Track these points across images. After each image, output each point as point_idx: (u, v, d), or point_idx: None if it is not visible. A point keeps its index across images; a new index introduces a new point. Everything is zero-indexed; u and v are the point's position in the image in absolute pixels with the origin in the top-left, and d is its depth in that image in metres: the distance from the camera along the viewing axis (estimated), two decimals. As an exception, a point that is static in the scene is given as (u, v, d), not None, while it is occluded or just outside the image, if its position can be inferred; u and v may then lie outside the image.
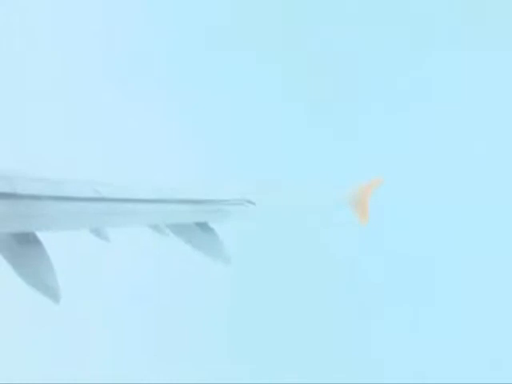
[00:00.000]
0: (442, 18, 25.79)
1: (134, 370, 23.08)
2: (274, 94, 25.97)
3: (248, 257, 22.03)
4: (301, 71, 26.11)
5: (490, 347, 24.52)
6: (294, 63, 26.15)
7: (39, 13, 25.02)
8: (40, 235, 6.21)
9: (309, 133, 25.72)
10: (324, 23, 26.00)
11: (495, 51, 25.55)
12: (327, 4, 26.12)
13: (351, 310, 24.82)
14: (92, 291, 23.00)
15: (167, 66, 26.07)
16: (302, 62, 26.16)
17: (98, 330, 23.69)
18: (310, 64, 26.11)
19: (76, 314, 22.03)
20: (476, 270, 24.94)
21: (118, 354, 23.54)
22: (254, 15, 26.03)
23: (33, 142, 21.97)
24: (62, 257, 6.75)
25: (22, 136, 22.47)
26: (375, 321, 24.92)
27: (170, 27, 25.95)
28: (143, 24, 25.85)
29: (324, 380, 23.86)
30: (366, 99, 25.93)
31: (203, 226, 7.36)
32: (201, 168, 22.89)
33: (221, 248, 7.53)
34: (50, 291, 6.00)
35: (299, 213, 10.56)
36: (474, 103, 25.56)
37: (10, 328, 22.70)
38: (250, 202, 7.83)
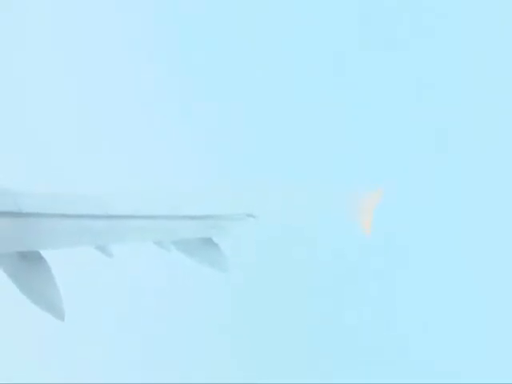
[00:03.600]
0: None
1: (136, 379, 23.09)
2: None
3: (251, 269, 22.04)
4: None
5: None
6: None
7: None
8: (44, 252, 6.19)
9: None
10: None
11: None
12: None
13: (353, 315, 24.82)
14: (96, 307, 22.94)
15: (167, 66, 26.00)
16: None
17: (101, 344, 23.63)
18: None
19: (80, 330, 22.02)
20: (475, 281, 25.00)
21: (121, 366, 23.51)
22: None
23: (36, 156, 21.99)
24: (65, 273, 6.73)
25: (26, 150, 22.48)
26: (376, 325, 24.93)
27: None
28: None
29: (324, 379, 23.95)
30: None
31: (207, 242, 7.37)
32: (204, 169, 22.89)
33: (225, 262, 7.54)
34: (55, 309, 5.99)
35: (301, 221, 10.53)
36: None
37: (14, 345, 22.71)
38: (251, 215, 7.84)
